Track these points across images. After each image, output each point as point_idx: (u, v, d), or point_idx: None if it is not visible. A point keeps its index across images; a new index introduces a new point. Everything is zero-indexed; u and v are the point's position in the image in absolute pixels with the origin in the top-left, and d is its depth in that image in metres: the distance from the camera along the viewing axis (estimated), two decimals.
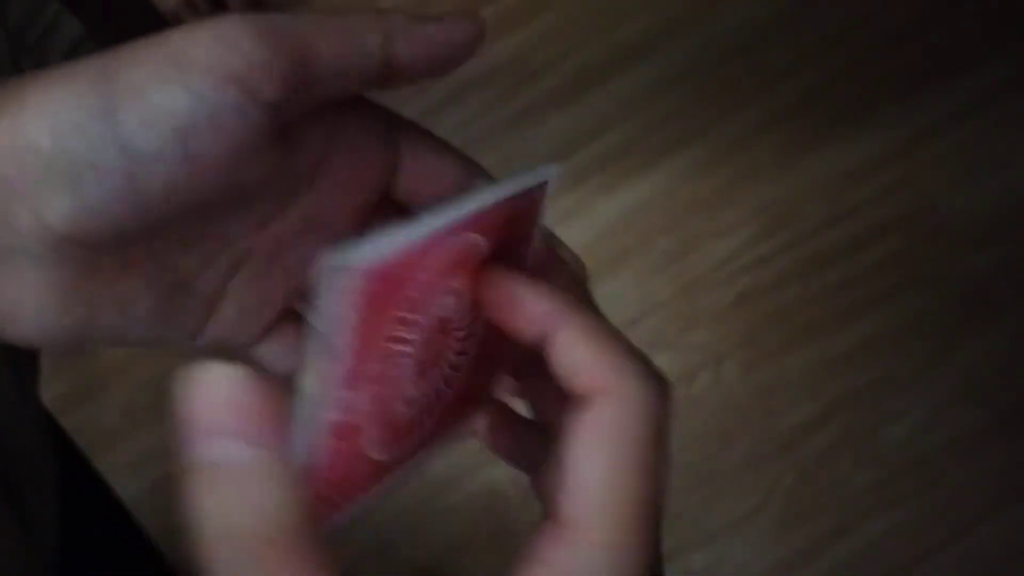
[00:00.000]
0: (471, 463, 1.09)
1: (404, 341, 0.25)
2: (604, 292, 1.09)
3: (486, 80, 1.16)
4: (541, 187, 0.30)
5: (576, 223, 1.12)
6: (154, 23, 0.99)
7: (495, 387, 0.31)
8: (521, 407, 0.31)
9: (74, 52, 0.50)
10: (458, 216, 0.25)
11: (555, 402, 0.27)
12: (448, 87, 1.15)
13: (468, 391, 0.30)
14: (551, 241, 0.30)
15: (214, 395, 0.23)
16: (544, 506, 0.28)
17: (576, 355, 0.25)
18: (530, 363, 0.28)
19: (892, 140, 1.13)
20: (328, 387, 0.24)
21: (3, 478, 0.42)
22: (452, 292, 0.26)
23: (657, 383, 0.25)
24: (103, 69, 0.23)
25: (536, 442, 0.30)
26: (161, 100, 0.23)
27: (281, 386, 0.23)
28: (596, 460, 0.24)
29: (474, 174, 0.30)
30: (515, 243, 0.29)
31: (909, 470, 1.07)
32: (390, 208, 0.30)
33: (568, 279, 0.30)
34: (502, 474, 1.07)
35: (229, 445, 0.22)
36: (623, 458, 0.24)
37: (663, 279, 1.11)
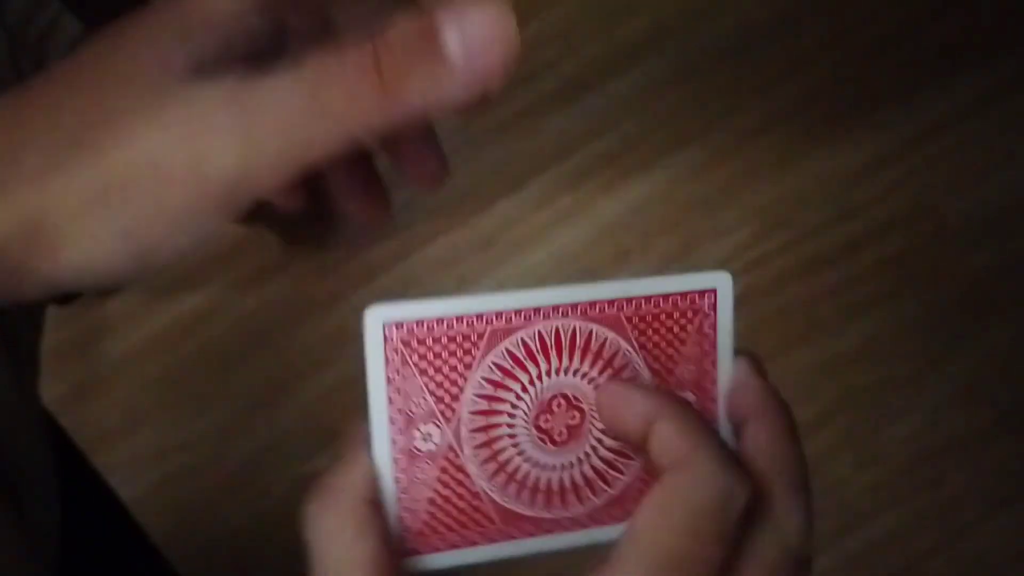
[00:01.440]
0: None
1: (499, 400, 0.28)
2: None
3: None
4: (704, 295, 0.31)
5: (576, 223, 1.12)
6: None
7: None
8: None
9: (74, 52, 0.50)
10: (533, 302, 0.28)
11: None
12: None
13: (640, 492, 0.31)
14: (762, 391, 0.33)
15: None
16: None
17: (669, 435, 0.28)
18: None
19: (892, 140, 1.12)
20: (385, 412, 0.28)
21: (2, 478, 0.42)
22: (578, 375, 0.29)
23: (733, 474, 0.27)
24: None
25: None
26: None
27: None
28: (650, 514, 0.26)
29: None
30: (675, 355, 0.30)
31: (909, 470, 1.07)
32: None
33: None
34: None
35: None
36: (673, 518, 0.26)
37: None
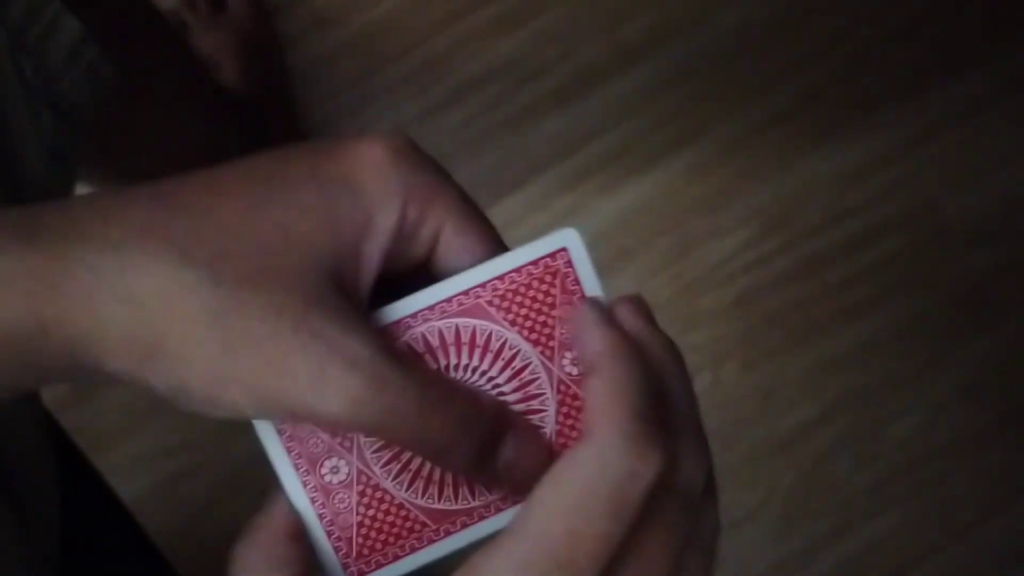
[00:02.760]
0: None
1: None
2: (604, 292, 1.09)
3: (486, 80, 1.15)
4: (556, 255, 0.31)
5: (576, 223, 1.12)
6: (153, 22, 0.99)
7: None
8: None
9: (75, 53, 0.50)
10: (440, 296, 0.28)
11: None
12: (448, 87, 1.14)
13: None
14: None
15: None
16: None
17: (591, 396, 0.27)
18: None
19: (892, 140, 1.12)
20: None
21: (3, 478, 0.42)
22: (471, 370, 0.29)
23: (644, 449, 0.26)
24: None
25: None
26: (250, 413, 0.27)
27: None
28: (547, 489, 0.26)
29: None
30: (548, 320, 0.30)
31: (909, 470, 1.07)
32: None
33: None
34: None
35: None
36: (566, 496, 0.26)
37: (663, 279, 1.11)
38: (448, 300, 0.29)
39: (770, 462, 1.07)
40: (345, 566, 0.30)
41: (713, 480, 0.30)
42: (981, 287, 1.10)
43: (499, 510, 0.30)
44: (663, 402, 0.29)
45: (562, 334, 0.30)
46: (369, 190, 0.28)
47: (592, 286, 0.31)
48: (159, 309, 0.25)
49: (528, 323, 0.30)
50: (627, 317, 0.31)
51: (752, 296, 1.10)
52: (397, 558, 0.30)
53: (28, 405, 0.46)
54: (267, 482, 0.31)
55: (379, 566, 0.30)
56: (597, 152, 1.15)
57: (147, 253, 0.25)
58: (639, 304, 0.31)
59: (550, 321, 0.30)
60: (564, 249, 0.31)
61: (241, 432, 1.21)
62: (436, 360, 0.29)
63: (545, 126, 1.15)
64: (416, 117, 1.11)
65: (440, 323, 0.29)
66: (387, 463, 0.29)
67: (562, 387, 0.30)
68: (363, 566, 0.30)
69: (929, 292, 1.09)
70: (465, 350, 0.29)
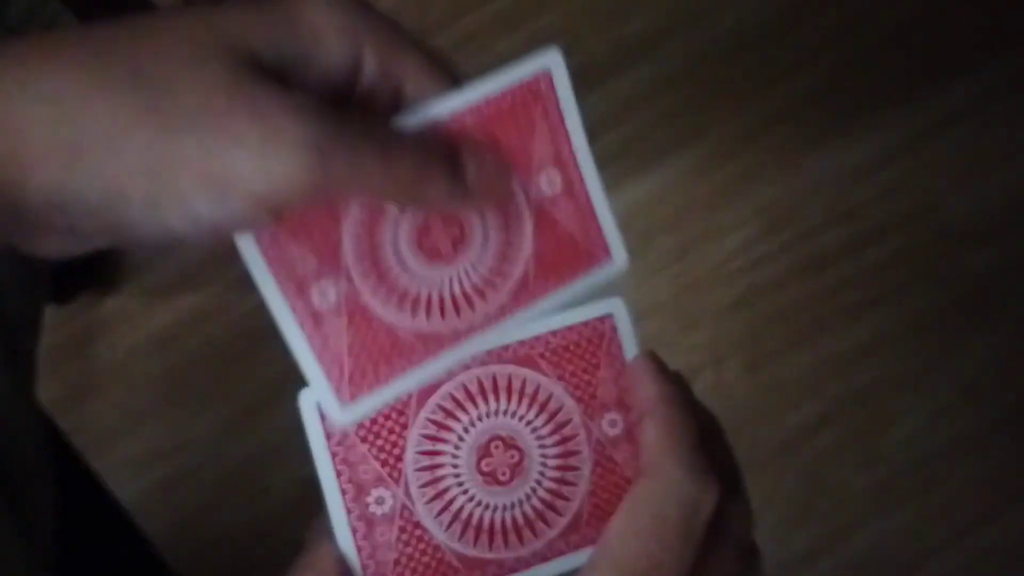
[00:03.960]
0: None
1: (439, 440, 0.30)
2: (603, 293, 1.09)
3: None
4: (603, 321, 0.32)
5: None
6: None
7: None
8: None
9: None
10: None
11: None
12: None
13: (592, 516, 0.32)
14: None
15: None
16: None
17: (647, 436, 0.29)
18: None
19: (892, 140, 1.12)
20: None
21: (1, 479, 0.42)
22: (510, 415, 0.31)
23: (701, 478, 0.28)
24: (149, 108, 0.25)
25: None
26: (203, 210, 0.25)
27: None
28: (621, 521, 0.28)
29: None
30: (592, 380, 0.32)
31: (910, 471, 1.07)
32: None
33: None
34: None
35: None
36: (641, 525, 0.28)
37: (663, 279, 1.11)
38: (505, 347, 0.30)
39: (771, 463, 1.07)
40: None
41: (756, 547, 0.32)
42: (982, 287, 1.10)
43: (528, 565, 0.31)
44: (710, 445, 0.31)
45: (603, 394, 0.31)
46: (316, 23, 0.27)
47: (632, 351, 0.32)
48: (81, 104, 0.24)
49: (575, 380, 0.31)
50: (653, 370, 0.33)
51: (753, 296, 1.10)
52: None
53: (26, 406, 0.46)
54: (309, 527, 0.31)
55: None
56: (597, 151, 1.14)
57: (63, 58, 0.25)
58: (658, 360, 0.33)
59: (594, 381, 0.31)
60: (611, 316, 0.32)
61: (241, 433, 1.22)
62: (487, 403, 0.30)
63: None
64: None
65: (495, 368, 0.30)
66: (431, 500, 0.30)
67: (598, 447, 0.31)
68: None
69: (930, 292, 1.09)
70: (515, 397, 0.31)
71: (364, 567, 0.29)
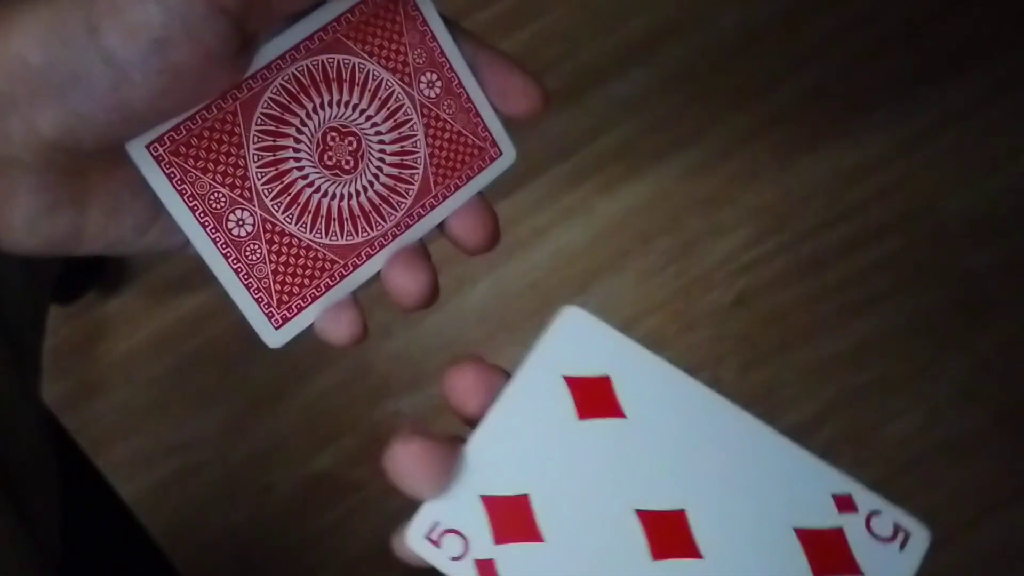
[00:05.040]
0: None
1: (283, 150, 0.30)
2: (604, 292, 1.10)
3: None
4: None
5: (576, 223, 1.12)
6: None
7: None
8: None
9: None
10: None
11: None
12: None
13: (437, 175, 0.33)
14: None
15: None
16: None
17: None
18: None
19: (890, 141, 1.13)
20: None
21: (5, 477, 0.42)
22: (347, 106, 0.31)
23: None
24: None
25: None
26: (138, 15, 0.25)
27: None
28: None
29: None
30: (400, 47, 0.32)
31: (907, 469, 1.07)
32: None
33: None
34: None
35: None
36: None
37: (662, 279, 1.11)
38: (310, 38, 0.30)
39: None
40: (269, 315, 0.31)
41: None
42: (978, 287, 1.10)
43: (395, 236, 0.32)
44: None
45: (414, 59, 0.32)
46: None
47: (430, 9, 0.32)
48: None
49: (384, 52, 0.31)
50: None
51: (751, 296, 1.10)
52: (315, 299, 0.31)
53: (30, 405, 0.47)
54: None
55: (299, 310, 0.31)
56: (597, 152, 1.15)
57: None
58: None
59: (402, 48, 0.32)
60: None
61: (242, 432, 1.22)
62: (311, 98, 0.30)
63: (545, 127, 1.15)
64: None
65: (307, 61, 0.30)
66: (288, 207, 0.30)
67: (424, 110, 0.32)
68: (285, 312, 0.31)
69: (927, 292, 1.10)
70: (335, 86, 0.31)
71: (247, 286, 0.30)
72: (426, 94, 0.32)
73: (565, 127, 1.16)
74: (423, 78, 0.32)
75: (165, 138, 0.29)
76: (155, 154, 0.28)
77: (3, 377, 0.43)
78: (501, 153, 0.34)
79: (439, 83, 0.32)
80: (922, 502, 1.08)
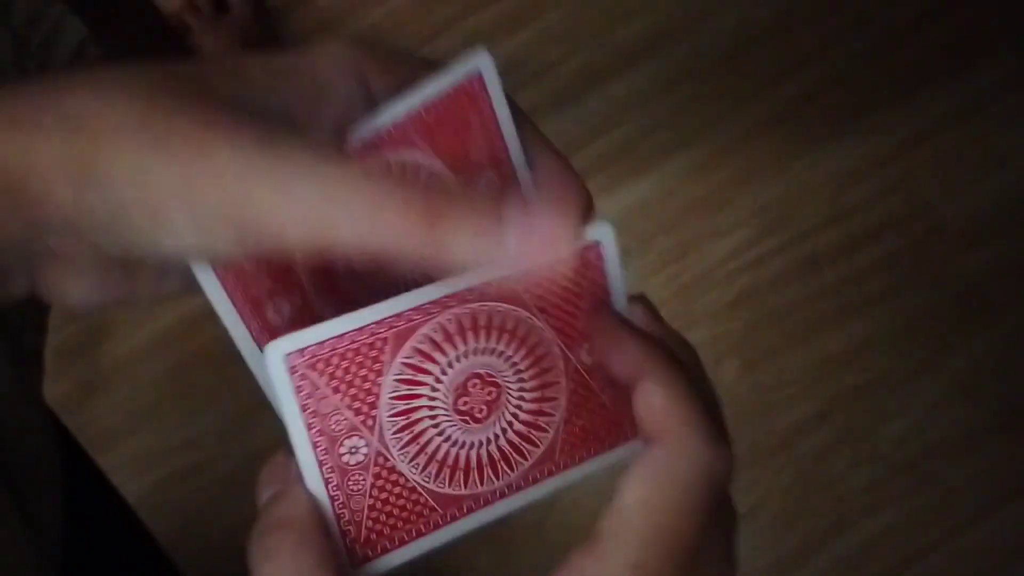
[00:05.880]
0: None
1: (414, 396, 0.29)
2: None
3: None
4: (590, 249, 0.31)
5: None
6: (157, 25, 0.99)
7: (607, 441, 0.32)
8: None
9: (78, 54, 0.50)
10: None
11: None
12: None
13: (566, 443, 0.31)
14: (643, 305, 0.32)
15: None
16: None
17: (655, 401, 0.28)
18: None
19: (889, 141, 1.13)
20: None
21: (8, 477, 0.42)
22: (491, 352, 0.30)
23: (717, 446, 0.28)
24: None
25: None
26: (190, 243, 0.26)
27: None
28: (639, 491, 0.27)
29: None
30: (576, 312, 0.31)
31: (905, 469, 1.08)
32: None
33: (658, 329, 0.32)
34: None
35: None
36: (663, 495, 0.27)
37: (662, 279, 1.11)
38: (484, 284, 0.29)
39: (768, 460, 1.08)
40: (351, 552, 0.29)
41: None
42: (977, 287, 1.10)
43: (503, 497, 0.30)
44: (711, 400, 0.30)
45: (583, 326, 0.31)
46: (320, 70, 0.28)
47: (617, 281, 0.31)
48: (97, 125, 0.25)
49: (556, 312, 0.30)
50: (647, 321, 0.31)
51: (751, 296, 1.10)
52: (403, 543, 0.30)
53: (32, 405, 0.47)
54: (271, 465, 0.30)
55: (384, 551, 0.30)
56: (597, 152, 1.15)
57: (85, 84, 0.26)
58: (651, 306, 0.31)
59: (576, 312, 0.31)
60: (598, 243, 0.31)
61: (243, 431, 1.22)
62: (467, 342, 0.29)
63: (545, 127, 1.15)
64: None
65: (475, 306, 0.29)
66: (406, 444, 0.29)
67: (576, 375, 0.31)
68: (369, 551, 0.29)
69: (925, 292, 1.10)
70: (495, 335, 0.30)
71: (338, 516, 0.29)
72: (583, 359, 0.31)
73: (565, 128, 1.16)
74: (585, 345, 0.31)
75: (307, 351, 0.28)
76: (290, 364, 0.28)
77: (5, 378, 0.44)
78: (636, 436, 0.32)
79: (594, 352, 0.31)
80: (922, 502, 1.08)
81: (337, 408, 0.28)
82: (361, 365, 0.28)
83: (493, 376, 0.30)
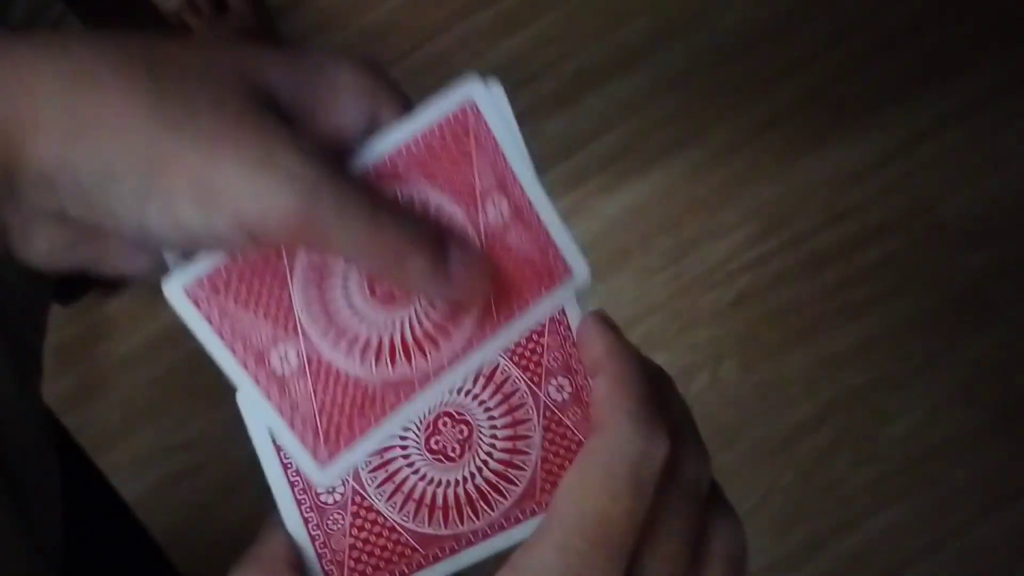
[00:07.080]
0: None
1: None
2: (603, 292, 1.10)
3: None
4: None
5: (576, 223, 1.12)
6: (156, 24, 0.99)
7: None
8: None
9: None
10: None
11: None
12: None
13: (546, 482, 0.31)
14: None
15: None
16: None
17: (599, 393, 0.29)
18: None
19: (890, 141, 1.13)
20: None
21: (7, 477, 0.42)
22: (459, 391, 0.30)
23: (652, 434, 0.28)
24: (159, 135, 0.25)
25: None
26: (185, 215, 0.26)
27: None
28: (570, 478, 0.28)
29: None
30: (541, 360, 0.31)
31: (906, 469, 1.08)
32: None
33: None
34: None
35: None
36: (590, 481, 0.28)
37: (662, 279, 1.11)
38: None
39: (769, 460, 1.08)
40: None
41: (720, 489, 0.31)
42: (977, 287, 1.10)
43: (486, 537, 0.31)
44: (661, 396, 0.30)
45: (548, 361, 0.31)
46: (338, 79, 0.29)
47: (576, 320, 0.32)
48: (94, 85, 0.25)
49: (519, 349, 0.31)
50: (600, 331, 0.32)
51: (751, 296, 1.10)
52: None
53: (31, 405, 0.47)
54: (263, 508, 0.31)
55: None
56: (597, 152, 1.15)
57: (91, 49, 0.25)
58: (610, 321, 0.32)
59: (538, 349, 0.31)
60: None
61: (243, 431, 1.21)
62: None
63: (545, 127, 1.16)
64: None
65: None
66: (382, 483, 0.30)
67: (547, 412, 0.31)
68: None
69: (926, 292, 1.10)
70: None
71: (319, 556, 0.29)
72: (552, 396, 0.31)
73: (565, 127, 1.16)
74: (553, 380, 0.31)
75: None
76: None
77: (5, 377, 0.44)
78: None
79: (569, 389, 0.31)
80: (922, 502, 1.08)
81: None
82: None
83: (464, 414, 0.30)
